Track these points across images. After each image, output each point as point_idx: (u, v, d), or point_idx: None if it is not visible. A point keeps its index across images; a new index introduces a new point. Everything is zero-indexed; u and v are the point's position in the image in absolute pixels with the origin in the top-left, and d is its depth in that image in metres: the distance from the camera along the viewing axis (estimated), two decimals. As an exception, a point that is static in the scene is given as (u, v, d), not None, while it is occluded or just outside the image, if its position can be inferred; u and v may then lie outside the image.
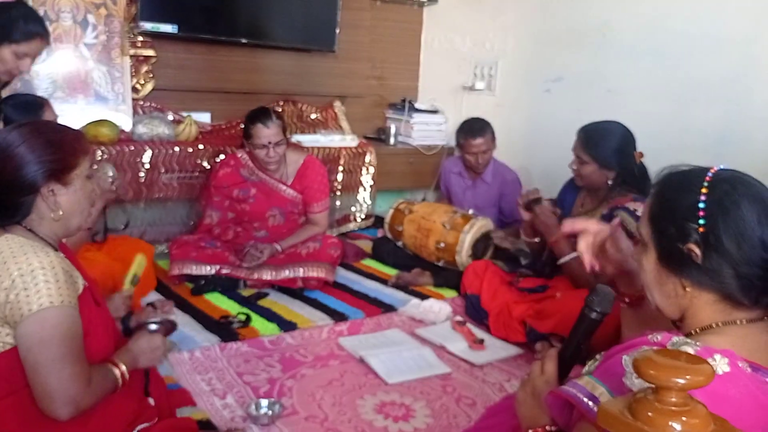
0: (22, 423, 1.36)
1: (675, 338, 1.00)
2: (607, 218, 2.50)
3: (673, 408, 0.72)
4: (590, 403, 0.95)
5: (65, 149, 1.45)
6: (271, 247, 3.06)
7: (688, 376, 0.71)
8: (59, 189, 1.43)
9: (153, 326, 1.74)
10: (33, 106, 2.48)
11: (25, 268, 1.31)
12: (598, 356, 1.17)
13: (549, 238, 2.64)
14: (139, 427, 1.55)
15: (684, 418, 0.71)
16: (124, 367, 1.49)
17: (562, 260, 2.59)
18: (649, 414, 0.72)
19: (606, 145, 2.52)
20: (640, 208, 2.40)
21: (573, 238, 2.58)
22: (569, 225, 1.52)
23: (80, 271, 1.48)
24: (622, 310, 1.46)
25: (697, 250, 1.02)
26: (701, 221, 1.01)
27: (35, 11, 2.48)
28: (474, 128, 3.50)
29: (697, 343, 0.95)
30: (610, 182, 2.55)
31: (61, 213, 1.44)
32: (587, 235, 1.45)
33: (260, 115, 3.01)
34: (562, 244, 2.59)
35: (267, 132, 2.98)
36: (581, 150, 2.57)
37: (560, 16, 3.78)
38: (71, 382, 1.32)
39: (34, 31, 2.34)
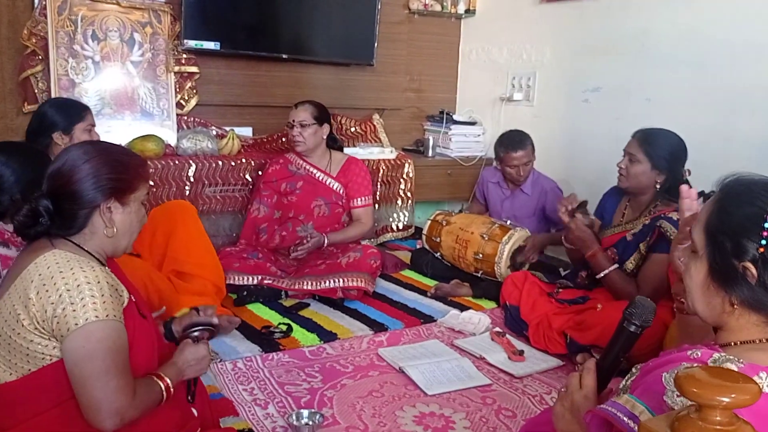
0: (80, 427, 1.39)
1: (716, 355, 0.98)
2: (649, 228, 2.48)
3: (717, 427, 0.71)
4: (630, 422, 0.94)
5: (130, 171, 1.52)
6: (319, 236, 3.19)
7: (733, 395, 0.70)
8: (116, 207, 1.49)
9: (195, 333, 1.73)
10: (75, 107, 2.62)
11: (71, 283, 1.34)
12: (634, 369, 1.16)
13: (585, 252, 2.63)
14: (182, 437, 1.56)
15: None
16: (168, 381, 1.51)
17: (601, 274, 2.57)
18: None
19: (662, 146, 2.52)
20: (684, 219, 2.38)
21: (613, 247, 2.59)
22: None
23: (125, 285, 1.52)
24: (678, 318, 1.43)
25: (754, 270, 0.98)
26: (764, 241, 0.97)
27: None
28: (514, 141, 3.50)
29: (741, 360, 0.94)
30: (657, 186, 2.53)
31: (114, 230, 1.49)
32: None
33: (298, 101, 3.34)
34: (600, 258, 2.58)
35: (294, 112, 3.27)
36: (636, 148, 2.55)
37: (597, 26, 3.75)
38: (116, 394, 1.35)
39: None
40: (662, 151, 2.52)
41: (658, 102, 3.40)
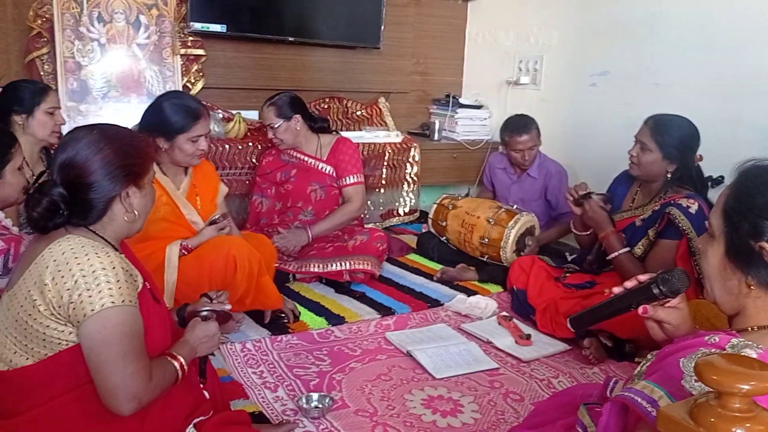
0: (85, 416, 1.41)
1: (734, 340, 0.99)
2: (659, 214, 2.48)
3: (737, 414, 0.71)
4: (649, 406, 0.95)
5: (142, 154, 1.52)
6: (302, 230, 3.10)
7: (753, 382, 0.71)
8: (134, 192, 1.50)
9: (204, 313, 1.73)
10: (35, 90, 2.59)
11: (87, 268, 1.34)
12: (649, 356, 1.16)
13: (599, 233, 2.64)
14: (195, 420, 1.57)
15: (748, 425, 0.70)
16: (182, 360, 1.52)
17: (612, 255, 2.58)
18: (712, 420, 0.72)
19: (674, 135, 2.50)
20: (693, 206, 2.37)
21: (622, 233, 2.59)
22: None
23: (139, 269, 1.52)
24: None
25: None
26: None
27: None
28: (519, 125, 3.49)
29: (759, 347, 0.94)
30: (668, 175, 2.53)
31: (135, 215, 1.50)
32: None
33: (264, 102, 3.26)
34: (612, 239, 2.58)
35: (262, 115, 3.27)
36: (647, 136, 2.53)
37: (606, 9, 3.72)
38: (133, 379, 1.36)
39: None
40: (674, 140, 2.50)
41: (666, 86, 3.38)
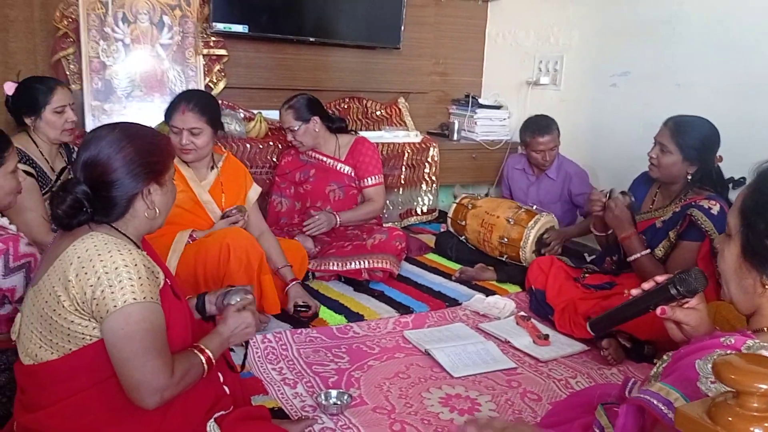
0: (108, 410, 1.44)
1: (750, 341, 0.99)
2: (680, 215, 2.47)
3: (755, 413, 0.71)
4: (665, 409, 0.96)
5: (163, 152, 1.55)
6: (331, 213, 3.18)
7: None
8: (156, 189, 1.52)
9: (234, 299, 1.73)
10: (41, 91, 2.57)
11: (109, 265, 1.37)
12: (665, 357, 1.17)
13: (620, 233, 2.62)
14: (216, 415, 1.59)
15: (766, 424, 0.71)
16: (209, 353, 1.54)
17: (633, 257, 2.56)
18: (730, 419, 0.72)
19: (694, 137, 2.48)
20: (715, 207, 2.36)
21: (642, 234, 2.58)
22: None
23: (160, 266, 1.54)
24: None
25: None
26: None
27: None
28: (540, 125, 3.49)
29: (775, 347, 0.95)
30: (689, 177, 2.51)
31: (156, 212, 1.53)
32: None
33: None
34: (634, 241, 2.57)
35: (281, 118, 3.28)
36: (667, 138, 2.52)
37: (627, 8, 3.70)
38: (155, 374, 1.38)
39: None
40: (694, 141, 2.48)
41: (688, 87, 3.36)
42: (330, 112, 3.54)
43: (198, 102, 2.57)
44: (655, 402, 0.97)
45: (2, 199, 2.02)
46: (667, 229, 2.51)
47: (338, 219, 3.21)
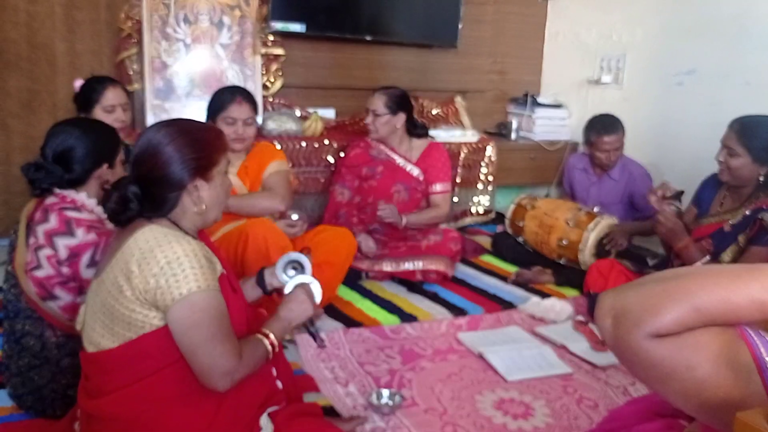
0: (165, 399, 1.47)
1: None
2: (750, 219, 2.36)
3: None
4: None
5: (208, 147, 1.55)
6: (397, 214, 3.11)
7: None
8: (202, 185, 1.53)
9: (287, 277, 1.80)
10: (92, 89, 2.61)
11: (171, 255, 1.40)
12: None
13: (676, 244, 2.52)
14: (269, 410, 1.61)
15: None
16: (273, 337, 1.58)
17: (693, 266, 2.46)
18: None
19: (762, 137, 2.38)
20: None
21: (709, 238, 2.48)
22: None
23: (219, 258, 1.58)
24: None
25: None
26: None
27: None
28: (605, 124, 3.41)
29: None
30: (761, 179, 2.40)
31: (204, 207, 1.54)
32: None
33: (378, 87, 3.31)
34: (692, 250, 2.47)
35: (370, 99, 3.25)
36: (735, 141, 2.42)
37: (693, 5, 3.58)
38: (223, 359, 1.42)
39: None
40: (763, 142, 2.37)
41: (758, 86, 3.22)
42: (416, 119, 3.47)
43: (248, 94, 2.75)
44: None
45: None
46: (736, 232, 2.40)
47: (405, 220, 3.15)
